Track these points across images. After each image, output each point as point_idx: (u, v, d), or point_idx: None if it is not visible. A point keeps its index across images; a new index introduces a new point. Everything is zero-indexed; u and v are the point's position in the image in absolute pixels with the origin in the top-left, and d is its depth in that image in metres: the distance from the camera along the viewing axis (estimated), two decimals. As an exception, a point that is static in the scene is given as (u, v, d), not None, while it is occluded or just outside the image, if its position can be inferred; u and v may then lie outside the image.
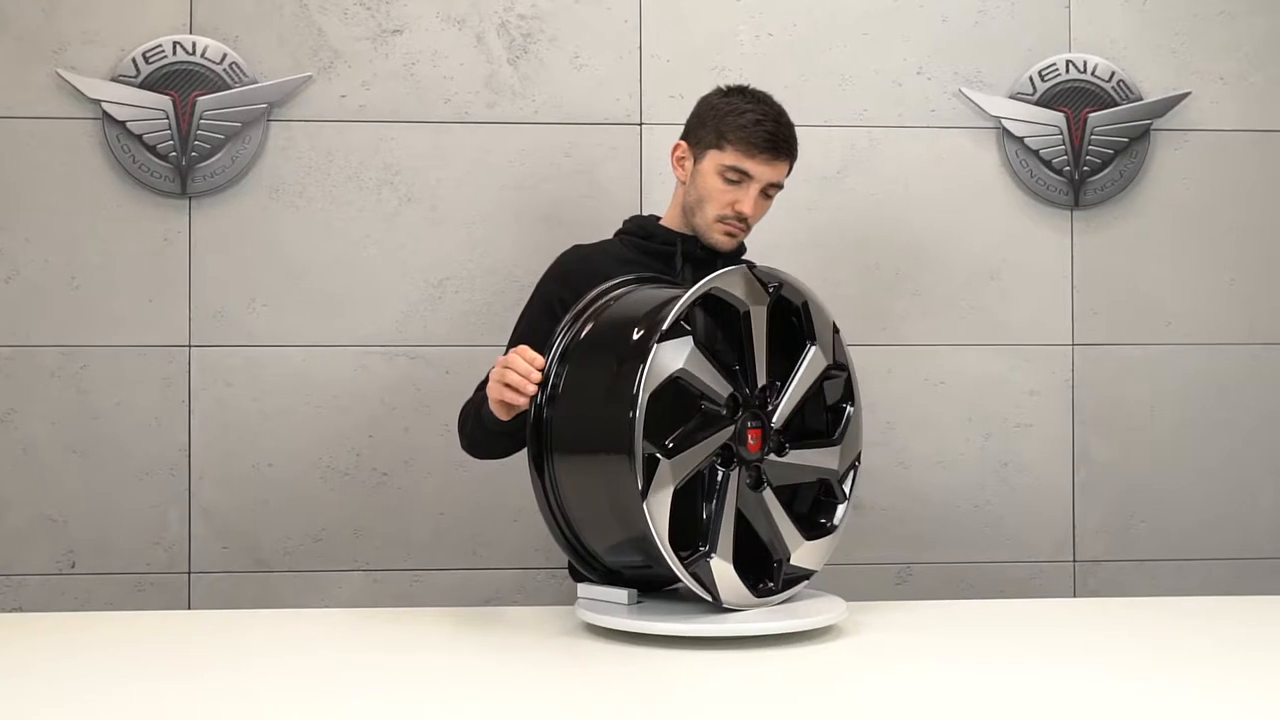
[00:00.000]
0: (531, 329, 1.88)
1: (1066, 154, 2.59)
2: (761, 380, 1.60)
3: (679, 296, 1.53)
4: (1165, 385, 2.62)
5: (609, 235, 2.05)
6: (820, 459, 1.66)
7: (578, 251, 2.00)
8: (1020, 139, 2.58)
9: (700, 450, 1.52)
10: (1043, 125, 2.59)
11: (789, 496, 1.65)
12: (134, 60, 2.44)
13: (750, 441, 1.57)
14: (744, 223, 1.90)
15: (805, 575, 1.64)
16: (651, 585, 1.65)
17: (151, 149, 2.44)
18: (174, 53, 2.45)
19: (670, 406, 1.51)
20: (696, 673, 1.38)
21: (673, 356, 1.50)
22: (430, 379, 2.49)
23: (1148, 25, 2.62)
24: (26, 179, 2.44)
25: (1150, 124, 2.61)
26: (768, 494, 1.59)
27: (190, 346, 2.46)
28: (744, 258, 1.99)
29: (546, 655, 1.47)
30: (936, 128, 2.58)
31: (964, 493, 2.59)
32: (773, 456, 1.60)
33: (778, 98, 1.94)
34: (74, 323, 2.44)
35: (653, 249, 1.96)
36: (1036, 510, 2.59)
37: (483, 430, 1.81)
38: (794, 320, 1.66)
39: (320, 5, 2.49)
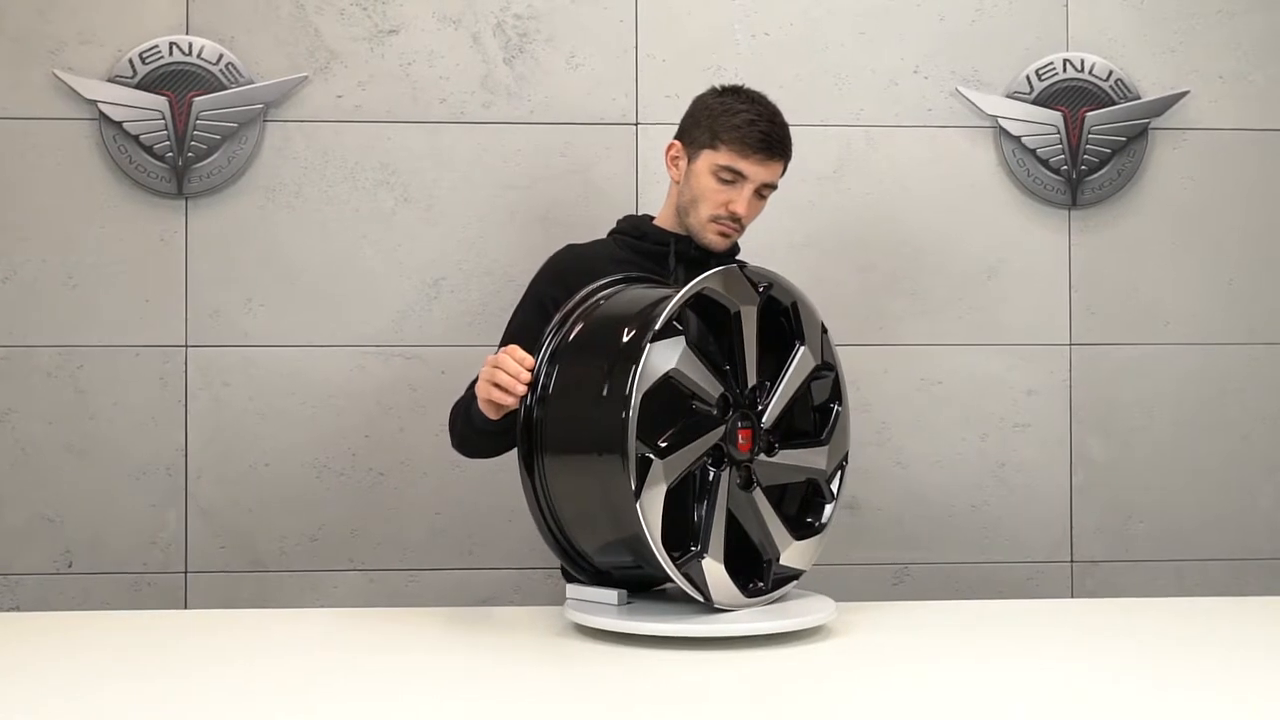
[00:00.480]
0: (523, 328, 1.89)
1: (1064, 153, 2.58)
2: (752, 380, 1.60)
3: (670, 296, 1.53)
4: (1163, 385, 2.61)
5: (605, 235, 2.05)
6: (809, 459, 1.66)
7: (571, 251, 2.00)
8: (1017, 138, 2.57)
9: (692, 450, 1.52)
10: (1040, 124, 2.58)
11: (777, 497, 1.64)
12: (130, 61, 2.44)
13: (741, 441, 1.57)
14: (737, 223, 1.90)
15: (794, 575, 1.64)
16: (640, 586, 1.66)
17: (148, 149, 2.44)
18: (170, 53, 2.45)
19: (660, 406, 1.51)
20: (686, 673, 1.38)
21: (665, 357, 1.50)
22: (426, 379, 2.49)
23: (1146, 24, 2.61)
24: (23, 179, 2.45)
25: (1148, 123, 2.60)
26: (758, 494, 1.59)
27: (187, 346, 2.47)
28: (737, 258, 1.98)
29: (535, 656, 1.47)
30: (933, 127, 2.58)
31: (961, 493, 2.58)
32: (763, 456, 1.60)
33: (774, 97, 1.94)
34: (71, 323, 2.45)
35: (646, 249, 1.96)
36: (1034, 511, 2.59)
37: (473, 429, 1.82)
38: (783, 320, 1.66)
39: (316, 6, 2.49)
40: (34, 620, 1.78)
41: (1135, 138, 2.59)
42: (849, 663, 1.45)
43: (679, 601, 1.60)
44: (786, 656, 1.46)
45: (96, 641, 1.58)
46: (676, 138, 1.96)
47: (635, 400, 1.46)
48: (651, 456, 1.47)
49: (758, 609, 1.57)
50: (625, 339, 1.53)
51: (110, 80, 2.44)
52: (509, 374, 1.62)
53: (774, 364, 1.64)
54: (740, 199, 1.87)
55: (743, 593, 1.57)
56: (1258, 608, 1.82)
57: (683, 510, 1.54)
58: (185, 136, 2.45)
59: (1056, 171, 2.58)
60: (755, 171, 1.86)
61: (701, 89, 1.98)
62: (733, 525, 1.57)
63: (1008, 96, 2.58)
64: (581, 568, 1.64)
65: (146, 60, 2.45)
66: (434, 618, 1.69)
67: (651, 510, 1.47)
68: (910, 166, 2.58)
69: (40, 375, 2.44)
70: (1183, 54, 2.62)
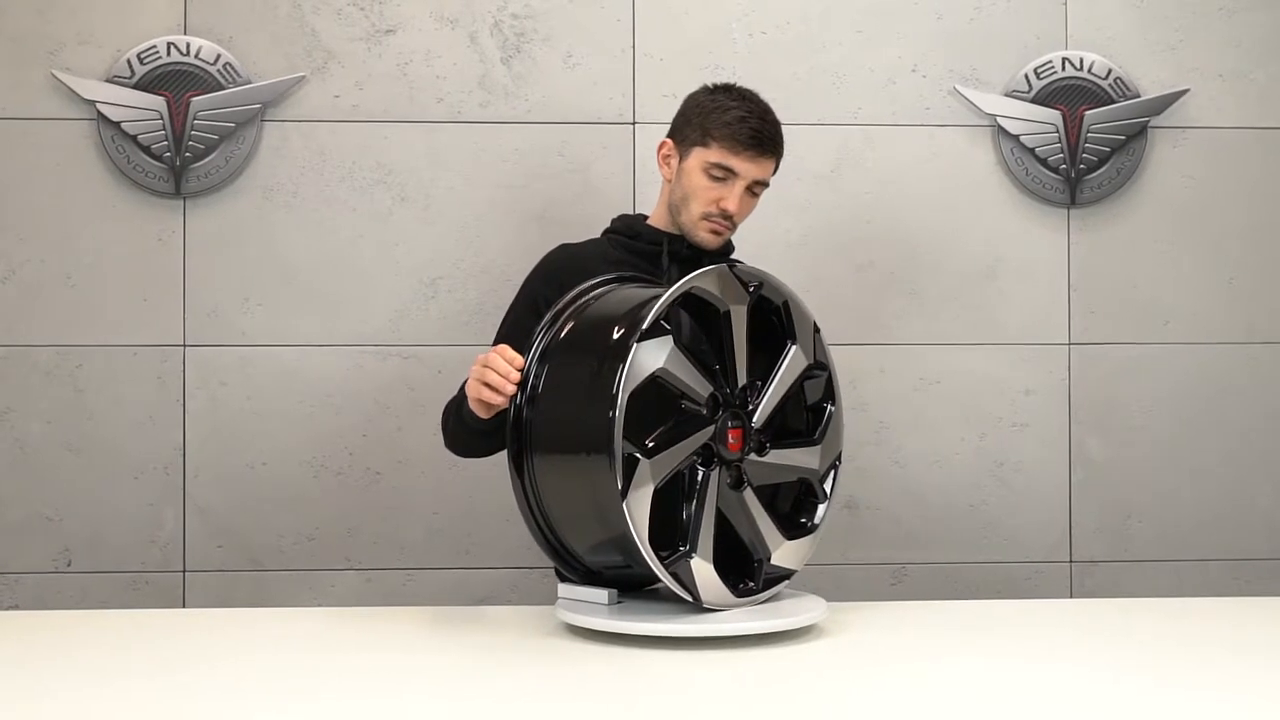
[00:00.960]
0: (516, 327, 1.88)
1: (1063, 152, 2.57)
2: (742, 380, 1.59)
3: (659, 296, 1.53)
4: (1162, 385, 2.60)
5: (599, 235, 2.05)
6: (801, 458, 1.65)
7: (564, 250, 2.00)
8: (1016, 137, 2.57)
9: (680, 450, 1.52)
10: (1039, 123, 2.57)
11: (770, 496, 1.64)
12: (128, 61, 2.45)
13: (731, 441, 1.57)
14: (729, 220, 1.90)
15: (786, 575, 1.63)
16: (632, 585, 1.65)
17: (146, 149, 2.45)
18: (168, 53, 2.45)
19: (650, 406, 1.51)
20: (677, 673, 1.38)
21: (653, 356, 1.50)
22: (423, 378, 2.49)
23: (1145, 22, 2.60)
24: (21, 179, 2.45)
25: (1148, 121, 2.59)
26: (748, 494, 1.58)
27: (185, 346, 2.47)
28: (731, 257, 1.98)
29: (526, 655, 1.47)
30: (931, 126, 2.57)
31: (960, 493, 2.57)
32: (753, 456, 1.59)
33: (771, 96, 1.94)
34: (69, 322, 2.45)
35: (639, 248, 1.96)
36: (1033, 510, 2.58)
37: (464, 429, 1.82)
38: (775, 319, 1.66)
39: (314, 6, 2.50)
40: (32, 619, 1.79)
41: (1134, 136, 2.59)
42: (840, 662, 1.45)
43: (670, 601, 1.59)
44: (777, 656, 1.46)
45: (94, 640, 1.59)
46: (668, 136, 1.95)
47: (622, 400, 1.46)
48: (638, 456, 1.47)
49: (749, 608, 1.57)
50: (613, 338, 1.53)
51: (108, 80, 2.44)
52: (499, 373, 1.62)
53: (766, 363, 1.63)
54: (731, 196, 1.87)
55: (734, 592, 1.56)
56: (1257, 608, 1.81)
57: (674, 510, 1.54)
58: (183, 136, 2.45)
59: (1055, 170, 2.57)
60: (746, 168, 1.86)
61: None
62: (723, 525, 1.56)
63: (1006, 95, 2.57)
64: (572, 567, 1.64)
65: (144, 60, 2.45)
66: (427, 617, 1.70)
67: (638, 510, 1.46)
68: (908, 165, 2.57)
69: (39, 374, 2.45)
70: (1182, 52, 2.61)
